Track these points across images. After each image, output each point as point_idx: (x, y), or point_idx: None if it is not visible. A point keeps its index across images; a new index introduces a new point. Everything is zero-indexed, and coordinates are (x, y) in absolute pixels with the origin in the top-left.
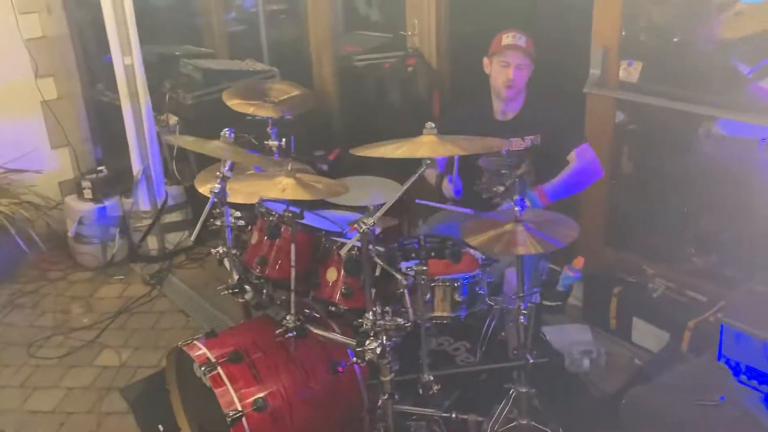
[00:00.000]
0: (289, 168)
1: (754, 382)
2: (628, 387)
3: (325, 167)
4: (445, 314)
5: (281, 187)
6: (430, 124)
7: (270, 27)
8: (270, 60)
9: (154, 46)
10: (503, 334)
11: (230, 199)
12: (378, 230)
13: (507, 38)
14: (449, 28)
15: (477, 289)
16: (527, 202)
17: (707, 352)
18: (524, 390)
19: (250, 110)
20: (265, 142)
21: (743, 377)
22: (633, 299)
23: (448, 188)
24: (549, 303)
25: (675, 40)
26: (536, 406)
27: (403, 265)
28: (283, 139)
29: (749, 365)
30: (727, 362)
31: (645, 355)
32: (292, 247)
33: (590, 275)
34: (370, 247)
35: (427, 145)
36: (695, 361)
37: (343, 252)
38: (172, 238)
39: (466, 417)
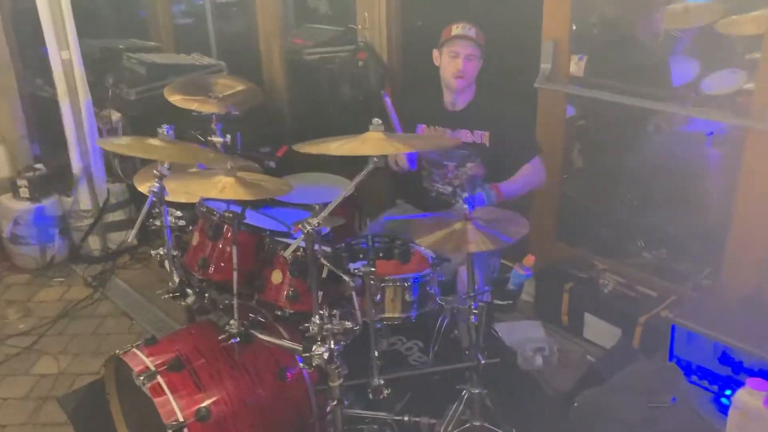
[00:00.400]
0: (229, 166)
1: (705, 382)
2: (580, 385)
3: (272, 164)
4: (396, 315)
5: (220, 186)
6: (377, 121)
7: (218, 20)
8: (218, 54)
9: (96, 39)
10: (456, 332)
11: (170, 198)
12: (326, 230)
13: (457, 29)
14: (401, 21)
15: (428, 288)
16: (484, 196)
17: (659, 352)
18: (477, 391)
19: (194, 106)
20: (210, 138)
21: (694, 377)
22: (584, 295)
23: (402, 159)
24: (500, 302)
25: (624, 34)
26: (489, 407)
27: (352, 266)
28: (228, 136)
29: (700, 365)
30: (678, 362)
31: (597, 351)
32: (234, 249)
33: (542, 271)
34: (316, 247)
35: (372, 143)
36: (647, 362)
37: (287, 254)
38: (116, 238)
39: (418, 419)
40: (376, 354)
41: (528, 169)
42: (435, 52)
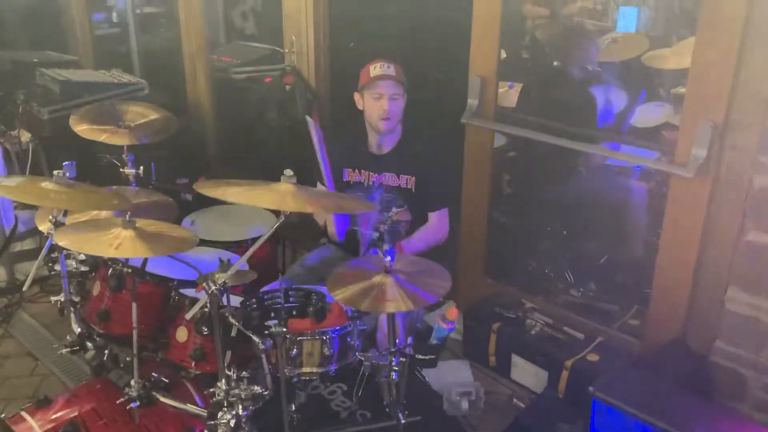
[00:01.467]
0: (127, 218)
1: None
2: None
3: (189, 197)
4: (314, 370)
5: (116, 243)
6: (288, 172)
7: (143, 31)
8: (141, 70)
9: (7, 51)
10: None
11: None
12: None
13: (375, 69)
14: (329, 47)
15: (348, 339)
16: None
17: (580, 420)
18: None
19: (102, 138)
20: (121, 170)
21: None
22: (512, 336)
23: (331, 226)
24: (422, 357)
25: (555, 63)
26: None
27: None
28: (141, 168)
29: None
30: None
31: (524, 393)
32: (133, 306)
33: (470, 309)
34: (224, 303)
35: (278, 196)
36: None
37: (189, 317)
38: (24, 269)
39: None
40: (292, 409)
41: (432, 221)
42: (356, 95)
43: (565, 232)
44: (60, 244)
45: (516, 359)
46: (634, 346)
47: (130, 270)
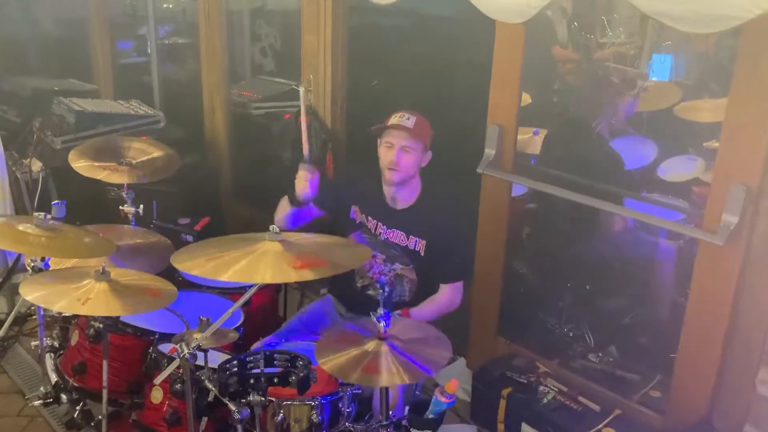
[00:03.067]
0: (101, 270)
1: None
2: None
3: (189, 238)
4: None
5: (84, 297)
6: (274, 228)
7: (166, 62)
8: (161, 101)
9: (30, 78)
10: None
11: None
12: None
13: (394, 118)
14: (346, 88)
15: (339, 405)
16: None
17: None
18: None
19: (101, 176)
20: (120, 208)
21: None
22: (522, 403)
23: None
24: (417, 431)
25: (580, 113)
26: None
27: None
28: (141, 206)
29: None
30: None
31: None
32: (104, 363)
33: (480, 370)
34: (201, 367)
35: (262, 260)
36: None
37: (158, 381)
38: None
39: None
40: None
41: (445, 292)
42: (379, 141)
43: (588, 287)
44: (27, 298)
45: (526, 428)
46: (655, 422)
47: (101, 326)
